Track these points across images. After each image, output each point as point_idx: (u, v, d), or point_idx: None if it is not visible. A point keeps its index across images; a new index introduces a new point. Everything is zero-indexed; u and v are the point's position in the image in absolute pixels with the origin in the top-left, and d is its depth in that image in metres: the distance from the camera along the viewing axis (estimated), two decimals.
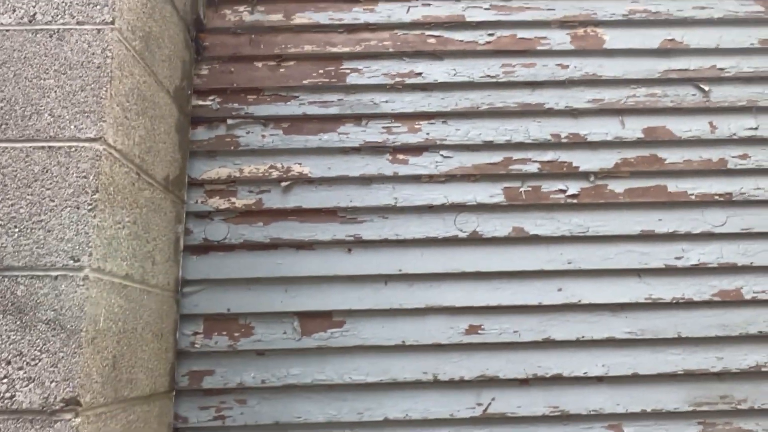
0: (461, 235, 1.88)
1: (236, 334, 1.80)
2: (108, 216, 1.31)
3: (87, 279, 1.22)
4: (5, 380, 1.17)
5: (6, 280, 1.22)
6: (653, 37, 2.04)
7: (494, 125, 1.96)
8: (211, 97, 1.96)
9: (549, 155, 1.95)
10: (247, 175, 1.91)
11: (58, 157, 1.28)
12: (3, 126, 1.29)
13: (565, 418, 1.77)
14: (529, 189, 1.92)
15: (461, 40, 2.02)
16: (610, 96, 1.99)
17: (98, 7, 1.37)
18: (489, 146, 1.95)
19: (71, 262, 1.23)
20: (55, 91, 1.32)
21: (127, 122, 1.42)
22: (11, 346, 1.19)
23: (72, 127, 1.30)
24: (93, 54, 1.34)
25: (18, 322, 1.20)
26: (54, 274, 1.22)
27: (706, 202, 1.92)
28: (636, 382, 1.80)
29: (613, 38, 2.03)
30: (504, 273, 1.86)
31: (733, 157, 1.95)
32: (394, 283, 1.85)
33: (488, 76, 2.00)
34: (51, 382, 1.17)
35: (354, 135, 1.94)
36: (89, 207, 1.26)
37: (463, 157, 1.94)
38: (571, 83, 2.00)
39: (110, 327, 1.31)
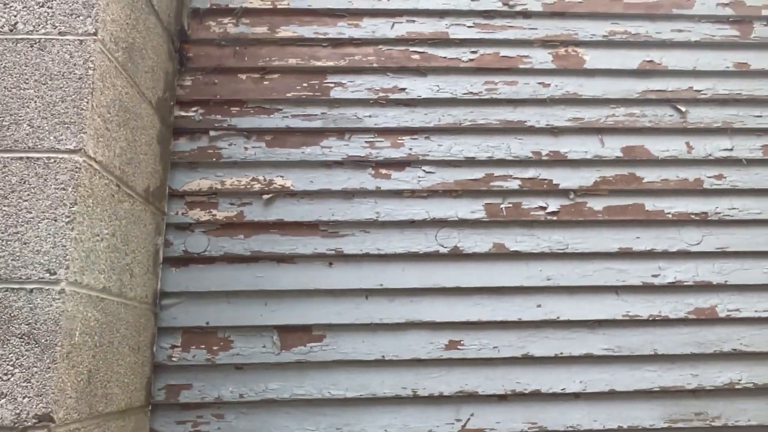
0: (442, 250, 1.89)
1: (215, 348, 1.78)
2: (86, 228, 1.30)
3: (63, 292, 1.21)
4: None
5: None
6: (632, 58, 2.08)
7: (476, 142, 1.98)
8: (193, 109, 1.95)
9: (530, 172, 1.97)
10: (228, 187, 1.90)
11: (37, 169, 1.26)
12: None
13: None
14: (510, 205, 1.94)
15: (445, 57, 2.04)
16: (590, 115, 2.02)
17: (81, 18, 1.36)
18: (471, 162, 1.96)
19: (47, 275, 1.21)
20: (35, 102, 1.30)
21: (107, 133, 1.41)
22: None
23: (51, 138, 1.28)
24: (74, 65, 1.33)
25: None
26: (29, 287, 1.20)
27: (682, 221, 1.95)
28: (613, 398, 1.82)
29: (593, 58, 2.07)
30: (484, 289, 1.87)
31: (708, 177, 1.99)
32: (375, 298, 1.85)
33: (471, 93, 2.02)
34: (23, 398, 1.15)
35: (337, 149, 1.95)
36: (67, 219, 1.24)
37: (445, 172, 1.95)
38: (552, 101, 2.03)
39: (86, 341, 1.29)
